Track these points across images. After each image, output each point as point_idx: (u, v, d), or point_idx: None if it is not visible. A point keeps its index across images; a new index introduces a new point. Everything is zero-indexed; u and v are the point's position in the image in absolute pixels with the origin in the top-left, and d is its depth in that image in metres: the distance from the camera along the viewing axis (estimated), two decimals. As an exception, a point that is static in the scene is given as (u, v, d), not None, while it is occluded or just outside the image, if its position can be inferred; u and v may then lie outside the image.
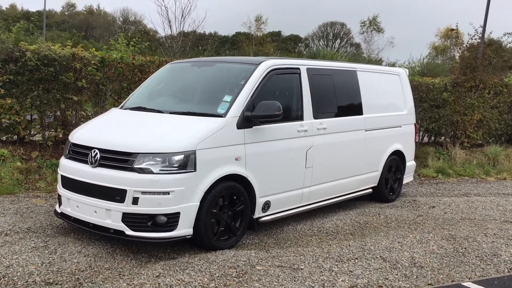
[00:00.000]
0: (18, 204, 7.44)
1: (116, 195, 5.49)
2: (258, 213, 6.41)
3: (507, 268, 5.84)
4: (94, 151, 5.79)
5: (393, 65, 30.96)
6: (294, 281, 5.06)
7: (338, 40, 79.46)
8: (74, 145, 6.16)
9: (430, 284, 5.25)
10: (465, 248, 6.39)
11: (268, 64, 6.52)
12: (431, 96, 13.51)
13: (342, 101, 7.69)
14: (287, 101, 6.82)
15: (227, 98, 6.15)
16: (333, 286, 5.01)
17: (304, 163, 6.89)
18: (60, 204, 6.23)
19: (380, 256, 5.89)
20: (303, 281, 5.07)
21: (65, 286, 4.77)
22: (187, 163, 5.51)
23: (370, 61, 44.78)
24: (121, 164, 5.57)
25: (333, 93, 7.49)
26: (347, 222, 7.52)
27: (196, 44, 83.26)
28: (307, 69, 7.07)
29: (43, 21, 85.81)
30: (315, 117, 7.05)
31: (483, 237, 6.91)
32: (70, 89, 9.52)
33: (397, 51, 78.68)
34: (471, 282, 5.34)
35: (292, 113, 6.83)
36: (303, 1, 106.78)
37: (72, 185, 5.95)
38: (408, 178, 9.47)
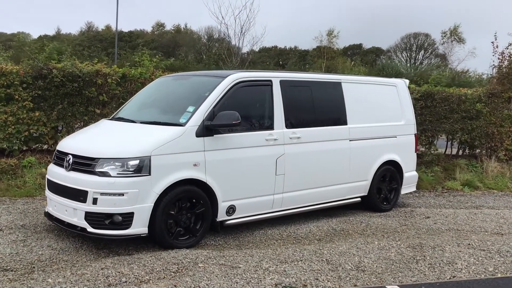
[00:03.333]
0: (28, 205, 8.31)
1: (80, 195, 6.14)
2: (222, 217, 6.83)
3: (450, 275, 5.87)
4: (69, 156, 6.50)
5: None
6: (224, 277, 5.43)
7: (422, 51, 77.74)
8: (58, 151, 6.91)
9: (356, 286, 5.43)
10: (424, 256, 6.43)
11: (234, 77, 6.96)
12: (463, 107, 13.25)
13: (321, 111, 7.95)
14: (255, 111, 7.23)
15: (190, 108, 6.66)
16: (259, 283, 5.33)
17: (274, 171, 7.23)
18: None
19: (326, 260, 6.11)
20: (232, 277, 5.42)
21: (18, 272, 5.45)
22: (142, 167, 6.06)
23: (451, 72, 43.53)
24: (86, 168, 6.23)
25: (311, 104, 7.78)
26: (323, 228, 7.74)
27: (277, 58, 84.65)
28: (281, 81, 7.43)
29: (134, 40, 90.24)
30: (288, 126, 7.38)
31: (455, 247, 6.88)
32: (93, 103, 10.42)
33: (479, 61, 75.04)
34: (397, 285, 5.46)
35: (260, 123, 7.21)
36: (385, 12, 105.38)
37: (53, 187, 6.69)
38: (407, 188, 9.47)
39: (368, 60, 70.32)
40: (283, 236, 7.32)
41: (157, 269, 5.58)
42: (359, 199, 8.61)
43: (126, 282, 5.23)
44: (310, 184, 7.76)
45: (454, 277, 5.84)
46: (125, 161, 6.07)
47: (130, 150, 6.15)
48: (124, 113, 7.50)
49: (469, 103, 13.36)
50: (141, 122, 6.90)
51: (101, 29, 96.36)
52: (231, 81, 6.91)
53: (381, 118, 8.87)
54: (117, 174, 6.05)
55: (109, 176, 6.05)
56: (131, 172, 6.05)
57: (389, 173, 9.01)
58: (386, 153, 8.85)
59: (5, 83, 9.80)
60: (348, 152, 8.19)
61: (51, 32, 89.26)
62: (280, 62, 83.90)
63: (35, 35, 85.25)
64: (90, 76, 10.30)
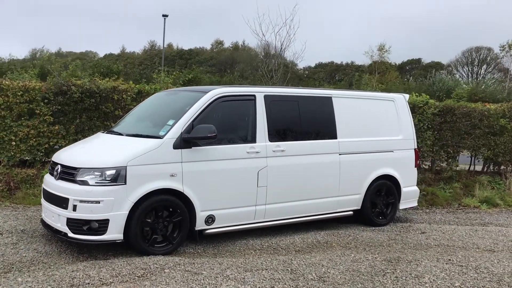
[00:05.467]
0: (37, 212, 8.87)
1: (63, 202, 6.59)
2: (200, 226, 7.11)
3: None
4: (58, 166, 6.99)
5: None
6: (183, 282, 5.68)
7: (485, 66, 75.51)
8: (52, 162, 7.42)
9: (306, 295, 5.57)
10: (394, 270, 6.45)
11: (216, 92, 7.27)
12: (486, 122, 12.98)
13: (308, 125, 8.12)
14: (237, 125, 7.51)
15: (170, 122, 7.02)
16: (213, 289, 5.56)
17: (255, 182, 7.45)
18: (44, 213, 7.52)
19: (291, 269, 6.25)
20: (190, 283, 5.66)
21: (-4, 271, 5.93)
22: (118, 177, 6.45)
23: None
24: (69, 177, 6.69)
25: (297, 118, 7.97)
26: (307, 240, 7.86)
27: (333, 74, 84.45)
28: (265, 96, 7.68)
29: (194, 58, 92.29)
30: (272, 140, 7.60)
31: (433, 262, 6.84)
32: (109, 117, 10.99)
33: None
34: (347, 295, 5.55)
35: (242, 136, 7.47)
36: (446, 27, 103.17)
37: (46, 195, 7.18)
38: (407, 203, 9.41)
39: (427, 75, 69.12)
40: (263, 246, 7.50)
41: (124, 273, 5.90)
42: (351, 212, 8.66)
43: (89, 283, 5.57)
44: (295, 197, 7.91)
45: (412, 289, 5.85)
46: (103, 171, 6.47)
47: (107, 161, 6.56)
48: (117, 126, 7.95)
49: (493, 118, 13.09)
50: (127, 135, 7.32)
51: (163, 47, 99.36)
52: (212, 96, 7.22)
53: (376, 133, 8.91)
54: (95, 183, 6.46)
55: (88, 184, 6.47)
56: (107, 181, 6.44)
57: (385, 188, 9.01)
58: (381, 167, 8.87)
59: (28, 99, 10.51)
60: (337, 165, 8.29)
61: (116, 51, 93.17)
62: (336, 77, 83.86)
63: (101, 54, 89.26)
64: (107, 92, 10.88)
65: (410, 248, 7.70)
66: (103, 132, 8.10)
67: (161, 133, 6.90)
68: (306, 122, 8.09)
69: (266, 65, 32.57)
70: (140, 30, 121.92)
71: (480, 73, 74.42)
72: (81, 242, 6.58)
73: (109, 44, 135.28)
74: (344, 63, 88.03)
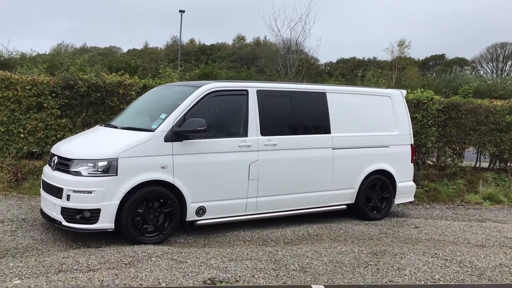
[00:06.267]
0: (39, 203, 9.16)
1: (58, 192, 6.85)
2: (191, 217, 7.32)
3: (388, 279, 5.99)
4: (54, 157, 7.26)
5: None
6: (166, 270, 5.89)
7: (510, 62, 74.31)
8: (51, 153, 7.70)
9: (284, 283, 5.72)
10: (378, 262, 6.57)
11: (208, 87, 7.46)
12: (491, 119, 12.93)
13: (301, 120, 8.25)
14: (229, 119, 7.69)
15: (163, 115, 7.23)
16: (193, 277, 5.73)
17: (246, 175, 7.62)
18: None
19: (274, 260, 6.42)
20: (173, 271, 5.86)
21: (-8, 256, 6.22)
22: (109, 168, 6.68)
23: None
24: (64, 168, 6.95)
25: (290, 113, 8.11)
26: (298, 233, 8.01)
27: (354, 70, 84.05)
28: (257, 91, 7.83)
29: (215, 53, 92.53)
30: (264, 134, 7.76)
31: (418, 255, 6.94)
32: (115, 111, 11.24)
33: None
34: (322, 285, 5.68)
35: (234, 130, 7.65)
36: (469, 21, 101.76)
37: (44, 185, 7.46)
38: (402, 198, 9.48)
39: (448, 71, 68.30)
40: (253, 238, 7.68)
41: (112, 260, 6.13)
42: (344, 206, 8.77)
43: (76, 269, 5.81)
44: (288, 190, 8.06)
45: (390, 281, 5.97)
46: (95, 162, 6.72)
47: (100, 152, 6.81)
48: (114, 120, 8.19)
49: (499, 115, 13.03)
50: (121, 128, 7.55)
51: (185, 43, 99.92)
52: (204, 91, 7.40)
53: (371, 128, 9.00)
54: (88, 174, 6.71)
55: (81, 175, 6.72)
56: (99, 172, 6.68)
57: (380, 182, 9.10)
58: (376, 162, 8.96)
59: (36, 93, 10.84)
60: (330, 160, 8.41)
61: (139, 46, 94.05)
62: (358, 73, 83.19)
63: (125, 49, 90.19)
64: (112, 87, 11.15)
65: (399, 242, 7.80)
66: (101, 125, 8.35)
67: (153, 127, 7.11)
68: (299, 117, 8.22)
69: (282, 60, 32.73)
70: (164, 26, 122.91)
71: (505, 70, 73.30)
72: (75, 230, 6.83)
73: (133, 40, 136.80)
74: (366, 59, 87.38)
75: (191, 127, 7.02)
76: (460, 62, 79.64)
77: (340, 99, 8.71)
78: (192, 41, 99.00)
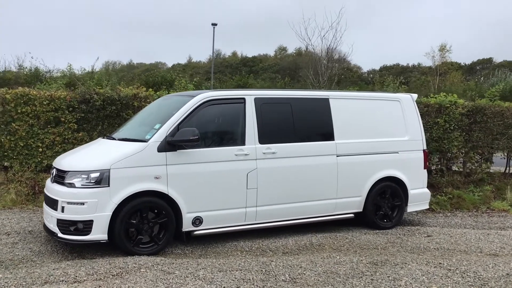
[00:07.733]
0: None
1: (54, 204, 6.93)
2: (187, 227, 7.25)
3: (379, 290, 5.76)
4: (53, 170, 7.35)
5: None
6: (152, 281, 5.82)
7: (560, 64, 71.56)
8: (52, 166, 7.80)
9: (268, 294, 5.57)
10: (374, 272, 6.32)
11: (203, 96, 7.41)
12: (520, 122, 12.40)
13: (302, 127, 8.07)
14: (226, 127, 7.62)
15: (157, 126, 7.22)
16: (178, 288, 5.68)
17: (244, 185, 7.51)
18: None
19: (265, 271, 6.26)
20: (158, 282, 5.77)
21: (-13, 266, 6.33)
22: (102, 179, 6.71)
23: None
24: (60, 180, 7.02)
25: (290, 120, 7.95)
26: (300, 243, 7.82)
27: (399, 77, 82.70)
28: (255, 98, 7.73)
29: (257, 65, 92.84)
30: (263, 142, 7.63)
31: (421, 265, 6.63)
32: (130, 124, 11.37)
33: None
34: (305, 296, 5.50)
35: (230, 138, 7.56)
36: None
37: (45, 197, 7.56)
38: (416, 206, 9.13)
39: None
40: (253, 248, 7.53)
41: (100, 272, 6.12)
42: (352, 215, 8.52)
43: (63, 281, 5.82)
44: (289, 199, 7.90)
45: (382, 292, 5.72)
46: (88, 174, 6.76)
47: (92, 164, 6.84)
48: (116, 132, 8.24)
49: (528, 118, 12.47)
50: (119, 139, 7.58)
51: (227, 55, 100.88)
52: (199, 100, 7.36)
53: (378, 134, 8.73)
54: (81, 185, 6.75)
55: (75, 187, 6.77)
56: (92, 184, 6.72)
57: (390, 190, 8.80)
58: (384, 169, 8.68)
59: (54, 108, 11.07)
60: (334, 167, 8.19)
61: (183, 60, 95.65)
62: (403, 80, 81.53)
63: (169, 64, 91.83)
64: (127, 100, 11.28)
65: (405, 251, 7.50)
66: (102, 138, 8.42)
67: (147, 137, 7.11)
68: (300, 124, 8.05)
69: (322, 69, 32.52)
70: (207, 39, 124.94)
71: (556, 72, 70.57)
72: (69, 242, 6.88)
73: (178, 55, 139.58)
74: (410, 65, 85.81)
75: (184, 136, 6.97)
76: (509, 65, 77.17)
77: (344, 104, 8.50)
78: (234, 53, 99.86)
